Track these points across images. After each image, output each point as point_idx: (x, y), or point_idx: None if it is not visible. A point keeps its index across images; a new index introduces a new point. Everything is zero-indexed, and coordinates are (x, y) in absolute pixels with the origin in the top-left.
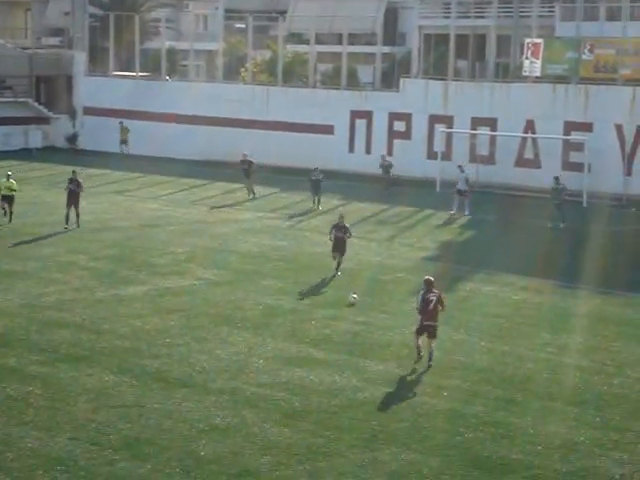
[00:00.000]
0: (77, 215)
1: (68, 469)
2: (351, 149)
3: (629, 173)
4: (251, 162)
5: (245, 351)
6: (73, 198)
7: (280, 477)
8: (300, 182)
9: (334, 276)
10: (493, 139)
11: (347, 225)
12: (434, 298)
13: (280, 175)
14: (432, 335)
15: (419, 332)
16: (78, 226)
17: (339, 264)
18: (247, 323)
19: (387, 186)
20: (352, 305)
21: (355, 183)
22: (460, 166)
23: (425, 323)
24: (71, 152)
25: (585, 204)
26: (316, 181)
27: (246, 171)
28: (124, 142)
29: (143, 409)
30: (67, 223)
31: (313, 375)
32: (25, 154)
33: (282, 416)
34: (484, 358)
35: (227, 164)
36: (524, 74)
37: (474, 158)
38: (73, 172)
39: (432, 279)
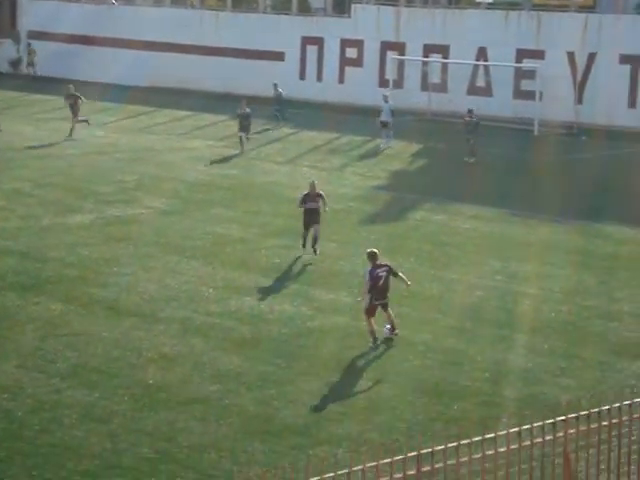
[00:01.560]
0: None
1: (15, 397)
2: (302, 76)
3: (580, 101)
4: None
5: (194, 280)
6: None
7: (229, 405)
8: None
9: (310, 256)
10: (445, 67)
11: (322, 193)
12: (383, 273)
13: (231, 102)
14: (386, 308)
15: (370, 313)
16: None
17: (315, 239)
18: (196, 252)
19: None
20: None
21: (306, 111)
22: (385, 96)
23: (376, 302)
24: (16, 77)
25: (536, 132)
26: (244, 116)
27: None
28: (31, 64)
29: (90, 337)
30: None
31: (263, 304)
32: None
33: (232, 345)
34: (434, 286)
35: (174, 91)
36: (477, 0)
37: (426, 86)
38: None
39: (376, 251)
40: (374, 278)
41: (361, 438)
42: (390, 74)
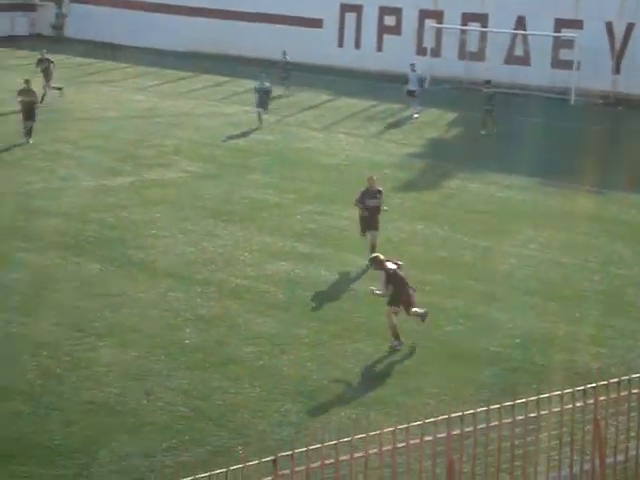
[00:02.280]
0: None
1: (52, 354)
2: (340, 44)
3: (617, 71)
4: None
5: (231, 244)
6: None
7: (264, 366)
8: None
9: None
10: (483, 35)
11: (381, 189)
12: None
13: (268, 69)
14: (411, 304)
15: (397, 305)
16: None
17: (373, 247)
18: (233, 216)
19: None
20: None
21: (344, 79)
22: (412, 65)
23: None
24: (57, 40)
25: (573, 102)
26: (263, 91)
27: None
28: (58, 26)
29: (128, 298)
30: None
31: (298, 269)
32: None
33: (267, 307)
34: (467, 254)
35: (213, 56)
36: None
37: (464, 55)
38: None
39: (380, 256)
40: (398, 283)
41: (393, 401)
42: (428, 42)
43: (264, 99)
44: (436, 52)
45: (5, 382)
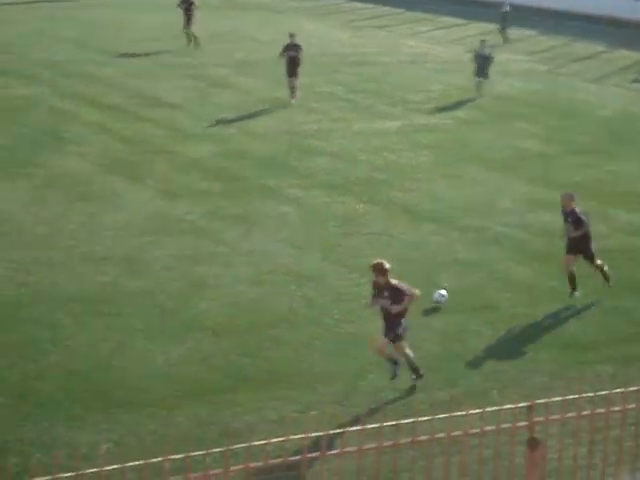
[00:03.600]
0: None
1: (317, 287)
2: None
3: None
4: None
5: (493, 191)
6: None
7: (519, 314)
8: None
9: None
10: None
11: None
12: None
13: (544, 19)
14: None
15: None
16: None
17: None
18: (496, 164)
19: None
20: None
21: (630, 31)
22: None
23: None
24: None
25: None
26: (482, 57)
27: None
28: None
29: (390, 238)
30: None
31: (559, 220)
32: None
33: (525, 257)
34: None
35: (487, 4)
36: None
37: None
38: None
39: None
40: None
41: None
42: None
43: (484, 66)
44: None
45: (271, 310)
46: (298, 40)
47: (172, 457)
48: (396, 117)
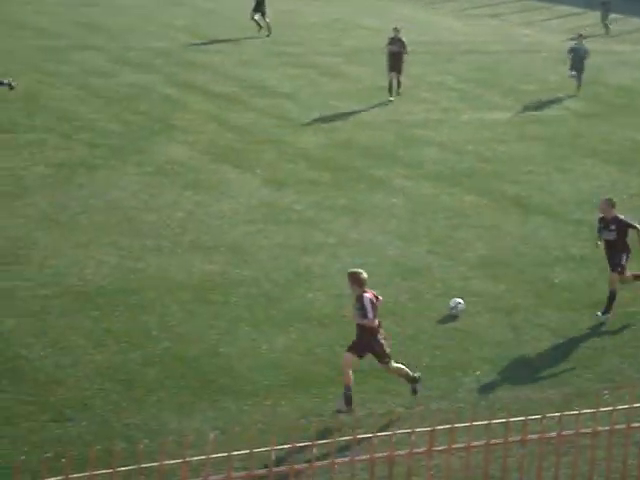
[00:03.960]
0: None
1: (424, 280)
2: None
3: None
4: None
5: (608, 185)
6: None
7: (635, 313)
8: None
9: None
10: None
11: None
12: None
13: None
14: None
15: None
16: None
17: None
18: (612, 157)
19: None
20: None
21: None
22: None
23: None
24: None
25: None
26: (580, 53)
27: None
28: None
29: (500, 231)
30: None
31: None
32: None
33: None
34: None
35: None
36: None
37: None
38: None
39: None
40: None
41: None
42: None
43: (578, 62)
44: None
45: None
46: (402, 35)
47: (278, 447)
48: (507, 108)
